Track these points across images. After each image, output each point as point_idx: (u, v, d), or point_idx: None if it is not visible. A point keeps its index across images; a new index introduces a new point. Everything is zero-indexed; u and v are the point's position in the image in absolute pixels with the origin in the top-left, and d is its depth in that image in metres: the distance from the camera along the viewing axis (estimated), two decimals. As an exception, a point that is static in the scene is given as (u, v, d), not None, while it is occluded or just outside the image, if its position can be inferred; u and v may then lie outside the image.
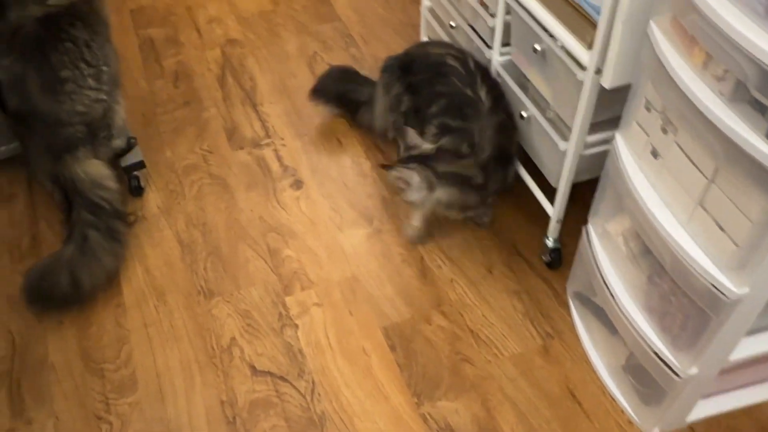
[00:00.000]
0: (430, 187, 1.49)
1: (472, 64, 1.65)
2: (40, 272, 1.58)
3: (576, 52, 1.33)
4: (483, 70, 1.65)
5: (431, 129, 1.58)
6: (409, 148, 1.53)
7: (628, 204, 1.27)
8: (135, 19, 2.53)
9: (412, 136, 1.51)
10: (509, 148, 1.62)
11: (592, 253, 1.43)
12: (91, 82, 1.64)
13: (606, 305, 1.42)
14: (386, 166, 1.47)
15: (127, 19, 2.53)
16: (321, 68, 2.30)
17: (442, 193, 1.50)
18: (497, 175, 1.58)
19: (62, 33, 1.61)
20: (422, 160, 1.48)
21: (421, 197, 1.51)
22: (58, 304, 1.60)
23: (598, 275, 1.40)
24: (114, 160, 1.81)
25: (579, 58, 1.32)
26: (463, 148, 1.50)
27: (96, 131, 1.68)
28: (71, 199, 1.65)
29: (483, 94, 1.57)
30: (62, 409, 1.46)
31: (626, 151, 1.27)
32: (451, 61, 1.66)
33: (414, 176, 1.47)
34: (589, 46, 1.29)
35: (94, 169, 1.68)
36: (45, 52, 1.59)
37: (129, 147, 1.85)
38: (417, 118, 1.65)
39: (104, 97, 1.69)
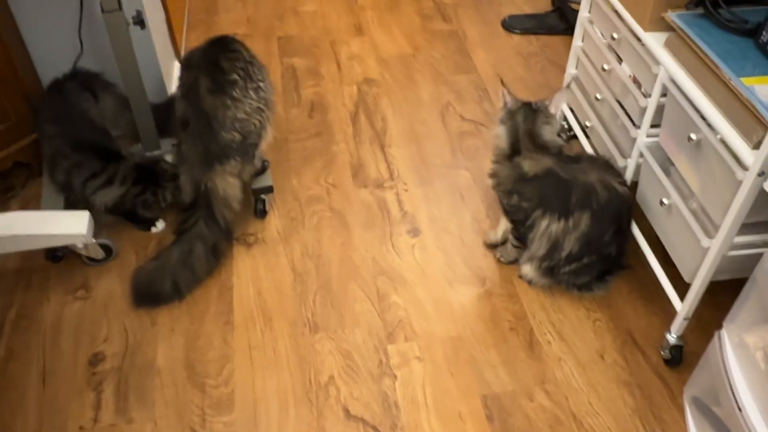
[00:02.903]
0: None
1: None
2: (150, 277, 1.73)
3: (738, 149, 1.26)
4: None
5: None
6: (506, 105, 1.78)
7: (776, 319, 1.17)
8: (281, 47, 2.65)
9: (506, 94, 1.77)
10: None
11: (723, 361, 1.33)
12: (252, 94, 1.76)
13: (730, 419, 1.31)
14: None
15: (274, 47, 2.65)
16: (452, 118, 2.32)
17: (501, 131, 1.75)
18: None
19: (228, 47, 1.79)
20: (510, 114, 1.75)
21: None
22: (158, 304, 1.74)
23: (727, 387, 1.30)
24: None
25: (741, 156, 1.25)
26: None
27: (248, 147, 1.76)
28: (197, 205, 1.74)
29: None
30: (161, 415, 1.50)
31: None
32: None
33: (501, 128, 1.74)
34: (756, 146, 1.22)
35: (231, 190, 1.76)
36: (216, 59, 1.75)
37: (263, 169, 1.92)
38: None
39: (263, 107, 1.78)
